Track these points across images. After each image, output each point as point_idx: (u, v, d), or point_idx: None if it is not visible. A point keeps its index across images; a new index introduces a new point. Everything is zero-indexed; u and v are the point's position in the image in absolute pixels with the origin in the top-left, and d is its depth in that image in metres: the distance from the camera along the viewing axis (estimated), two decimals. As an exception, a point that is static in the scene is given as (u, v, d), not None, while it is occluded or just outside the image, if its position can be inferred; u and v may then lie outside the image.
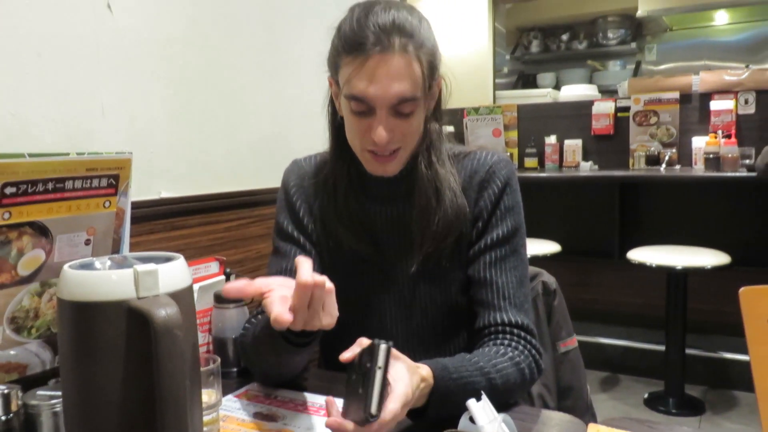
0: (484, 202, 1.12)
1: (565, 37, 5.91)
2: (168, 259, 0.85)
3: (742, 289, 1.26)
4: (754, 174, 2.77)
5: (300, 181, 1.19)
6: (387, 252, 1.13)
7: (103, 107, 1.32)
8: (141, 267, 0.77)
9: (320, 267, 1.16)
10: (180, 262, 0.84)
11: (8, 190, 0.91)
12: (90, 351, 0.76)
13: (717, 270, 2.63)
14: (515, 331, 1.07)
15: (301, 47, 1.87)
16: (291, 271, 1.09)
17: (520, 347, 1.05)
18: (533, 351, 1.07)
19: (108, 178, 1.05)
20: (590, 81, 5.67)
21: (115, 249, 1.13)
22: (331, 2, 1.99)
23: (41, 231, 0.98)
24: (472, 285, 1.12)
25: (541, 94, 4.64)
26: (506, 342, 1.06)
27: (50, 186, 0.97)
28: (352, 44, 1.00)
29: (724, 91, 3.32)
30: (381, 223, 1.14)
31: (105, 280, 0.77)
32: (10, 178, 0.91)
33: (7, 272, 0.96)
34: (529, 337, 1.07)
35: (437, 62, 1.08)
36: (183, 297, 0.81)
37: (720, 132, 3.20)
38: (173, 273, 0.82)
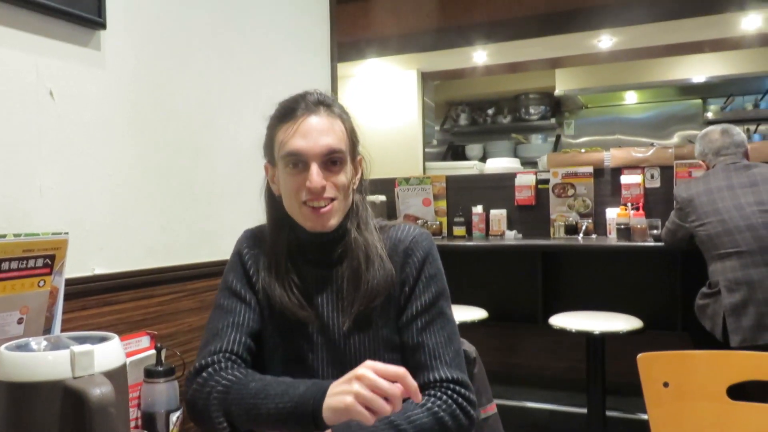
0: (409, 269, 1.22)
1: (490, 111, 6.27)
2: (103, 339, 0.89)
3: (639, 356, 1.39)
4: (661, 244, 3.00)
5: (252, 247, 1.28)
6: (322, 312, 1.22)
7: (41, 188, 1.36)
8: (77, 348, 0.81)
9: (262, 325, 1.24)
10: (115, 341, 0.89)
11: (-56, 273, 0.94)
12: (25, 430, 0.78)
13: (631, 334, 2.79)
14: (444, 384, 1.15)
15: (236, 128, 1.96)
16: (237, 326, 1.20)
17: (444, 397, 1.13)
18: (459, 399, 1.14)
19: (44, 258, 1.09)
20: (515, 153, 6.00)
21: (47, 327, 1.15)
22: (266, 89, 2.10)
23: (-26, 311, 1.00)
24: (407, 350, 1.21)
25: (468, 166, 4.87)
26: (431, 395, 1.14)
27: (-14, 267, 1.00)
28: (285, 112, 1.19)
29: (633, 167, 3.61)
30: (317, 286, 1.23)
31: (41, 361, 0.81)
32: (-54, 261, 0.94)
33: (-63, 353, 0.97)
34: (457, 387, 1.15)
35: (356, 136, 1.25)
36: (117, 375, 0.85)
37: (630, 204, 3.45)
38: (108, 352, 0.86)
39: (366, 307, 1.19)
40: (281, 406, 1.03)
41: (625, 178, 3.58)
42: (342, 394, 0.96)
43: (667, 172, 3.53)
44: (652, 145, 3.85)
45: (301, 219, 1.20)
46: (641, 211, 3.36)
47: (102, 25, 1.49)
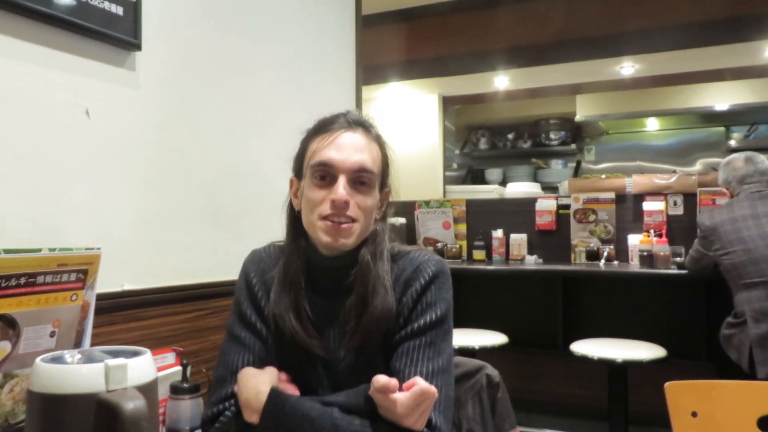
0: (406, 299, 1.16)
1: (510, 136, 6.28)
2: (135, 354, 0.90)
3: (667, 384, 1.37)
4: (684, 272, 2.97)
5: (260, 270, 1.23)
6: (328, 344, 1.18)
7: (74, 205, 1.39)
8: (111, 361, 0.82)
9: (271, 354, 1.19)
10: (147, 356, 0.90)
11: (-17, 285, 0.96)
12: (57, 442, 0.79)
13: (654, 363, 2.75)
14: None
15: (261, 150, 1.99)
16: (253, 364, 1.15)
17: None
18: None
19: (77, 272, 1.11)
20: (535, 177, 5.99)
21: (78, 341, 1.16)
22: (291, 112, 2.13)
23: (9, 323, 1.02)
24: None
25: (488, 190, 4.87)
26: None
27: (22, 280, 1.02)
28: (322, 126, 1.17)
29: (655, 193, 3.58)
30: (325, 315, 1.19)
31: (76, 373, 0.82)
32: (-15, 274, 0.96)
33: (-27, 364, 0.99)
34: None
35: (389, 165, 1.22)
36: (149, 390, 0.86)
37: (652, 231, 3.43)
38: (140, 367, 0.87)
39: (366, 341, 1.14)
40: None
41: (648, 205, 3.56)
42: None
43: (690, 199, 3.50)
44: (674, 172, 3.83)
45: (318, 233, 1.14)
46: (664, 238, 3.33)
47: (137, 47, 1.53)
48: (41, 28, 1.33)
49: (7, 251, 1.00)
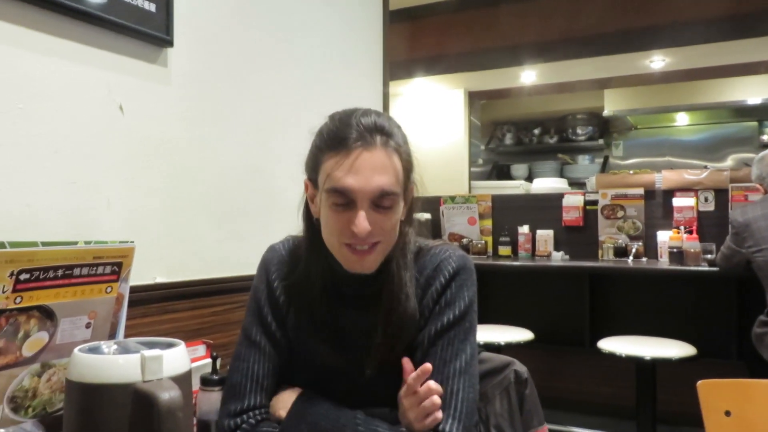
0: (426, 300, 1.12)
1: (536, 131, 6.22)
2: (170, 345, 0.92)
3: (699, 383, 1.35)
4: (716, 269, 2.92)
5: (280, 271, 1.18)
6: (350, 354, 1.14)
7: (108, 199, 1.41)
8: (148, 352, 0.84)
9: (287, 360, 1.17)
10: (181, 348, 0.91)
11: (23, 277, 0.98)
12: (95, 430, 0.81)
13: (683, 361, 2.71)
14: None
15: (286, 146, 2.00)
16: (273, 375, 1.14)
17: None
18: None
19: (112, 265, 1.13)
20: (561, 173, 5.93)
21: (112, 332, 1.19)
22: (319, 108, 2.13)
23: (47, 314, 1.05)
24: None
25: (514, 186, 4.84)
26: None
27: (60, 272, 1.04)
28: (335, 140, 1.04)
29: (685, 189, 3.52)
30: (349, 329, 1.14)
31: (113, 363, 0.84)
32: (25, 266, 0.98)
33: (13, 353, 1.01)
34: None
35: (412, 165, 1.13)
36: (183, 381, 0.88)
37: (682, 227, 3.37)
38: (175, 358, 0.89)
39: (390, 354, 1.10)
40: None
41: (678, 201, 3.50)
42: None
43: (721, 195, 3.43)
44: (705, 167, 3.76)
45: (339, 258, 1.09)
46: (695, 235, 3.27)
47: (170, 43, 1.55)
48: (76, 24, 1.36)
49: (45, 244, 1.03)
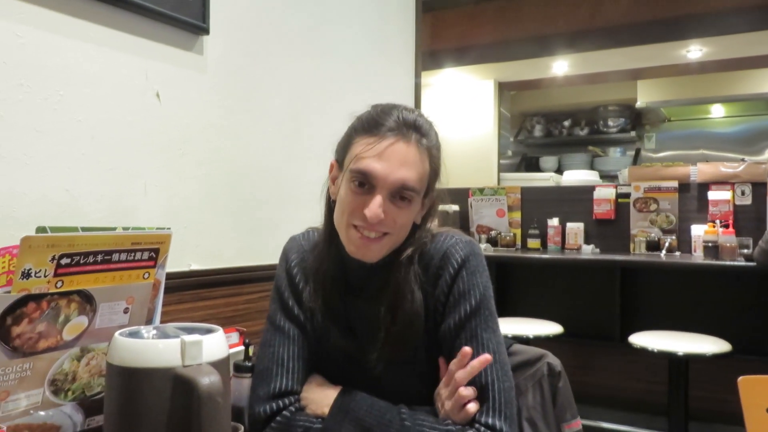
0: (438, 292, 1.11)
1: (567, 123, 6.13)
2: (209, 331, 0.92)
3: (740, 379, 1.32)
4: (753, 263, 2.85)
5: (299, 259, 1.20)
6: (360, 345, 1.13)
7: (146, 186, 1.43)
8: (188, 337, 0.84)
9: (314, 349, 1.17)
10: (219, 333, 0.92)
11: (63, 261, 1.00)
12: (135, 413, 0.82)
13: (718, 357, 2.66)
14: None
15: (321, 133, 2.00)
16: (299, 358, 1.14)
17: None
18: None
19: (149, 251, 1.14)
20: (591, 166, 5.85)
21: (149, 318, 1.20)
22: (351, 97, 2.14)
23: (87, 299, 1.06)
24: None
25: (543, 178, 4.79)
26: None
27: (99, 258, 1.05)
28: (372, 124, 1.06)
29: (721, 182, 3.44)
30: (358, 317, 1.15)
31: (153, 348, 0.84)
32: (66, 250, 0.99)
33: (54, 337, 1.03)
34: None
35: (438, 173, 1.13)
36: (222, 366, 0.88)
37: (718, 221, 3.30)
38: (214, 344, 0.89)
39: (397, 350, 1.10)
40: None
41: (713, 194, 3.42)
42: None
43: (759, 188, 3.34)
44: (743, 160, 3.67)
45: (345, 240, 1.09)
46: (731, 229, 3.20)
47: (206, 30, 1.56)
48: (115, 11, 1.37)
49: (84, 229, 1.04)
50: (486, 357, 1.03)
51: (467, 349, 1.03)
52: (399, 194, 1.04)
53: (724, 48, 4.31)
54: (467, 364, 1.03)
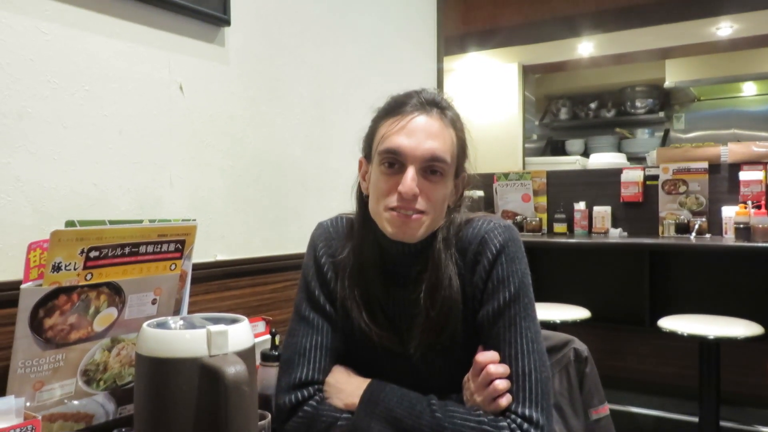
0: (476, 279, 1.10)
1: (593, 105, 6.03)
2: (234, 321, 0.94)
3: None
4: (785, 245, 2.79)
5: (328, 247, 1.19)
6: (399, 334, 1.13)
7: (171, 178, 1.45)
8: (213, 327, 0.85)
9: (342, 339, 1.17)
10: (245, 323, 0.93)
11: (92, 254, 1.02)
12: (164, 402, 0.84)
13: (750, 341, 2.61)
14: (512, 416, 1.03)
15: (345, 122, 2.01)
16: (322, 348, 1.14)
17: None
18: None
19: (176, 243, 1.16)
20: (618, 148, 5.75)
21: (177, 308, 1.22)
22: (374, 83, 2.13)
23: (116, 291, 1.08)
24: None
25: (569, 161, 4.72)
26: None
27: (127, 250, 1.07)
28: (393, 106, 1.09)
29: (754, 162, 3.37)
30: (395, 305, 1.14)
31: (180, 338, 0.86)
32: (94, 243, 1.02)
33: (85, 328, 1.06)
34: (525, 425, 1.02)
35: (466, 148, 1.13)
36: (248, 356, 0.89)
37: (750, 202, 3.23)
38: (239, 333, 0.90)
39: (436, 336, 1.10)
40: None
41: (745, 175, 3.35)
42: None
43: (793, 168, 3.27)
44: (776, 139, 3.58)
45: (384, 223, 1.08)
46: (763, 210, 3.13)
47: (227, 22, 1.56)
48: (136, 6, 1.38)
49: (112, 222, 1.06)
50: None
51: (493, 353, 1.05)
52: (430, 168, 1.05)
53: (756, 24, 4.18)
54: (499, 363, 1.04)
